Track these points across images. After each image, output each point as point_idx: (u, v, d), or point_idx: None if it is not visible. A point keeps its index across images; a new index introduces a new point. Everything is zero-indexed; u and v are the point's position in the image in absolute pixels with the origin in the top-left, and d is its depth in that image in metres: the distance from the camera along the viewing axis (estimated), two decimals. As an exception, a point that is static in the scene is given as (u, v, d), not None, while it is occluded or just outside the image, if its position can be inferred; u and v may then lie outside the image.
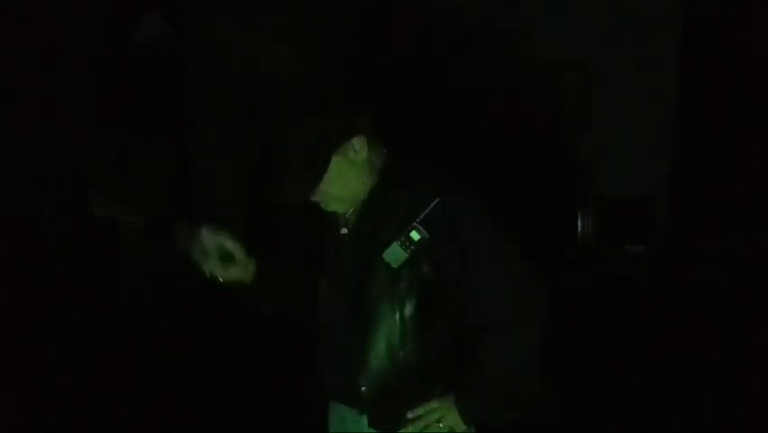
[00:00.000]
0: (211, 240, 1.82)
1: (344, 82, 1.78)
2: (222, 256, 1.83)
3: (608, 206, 5.35)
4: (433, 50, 5.45)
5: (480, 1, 5.43)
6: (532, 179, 5.11)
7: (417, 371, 1.77)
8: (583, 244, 5.32)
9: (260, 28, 5.41)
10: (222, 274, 1.84)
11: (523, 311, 1.76)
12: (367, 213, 1.79)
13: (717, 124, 5.26)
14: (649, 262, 5.15)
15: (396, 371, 1.76)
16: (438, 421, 1.79)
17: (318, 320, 1.91)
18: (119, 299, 4.81)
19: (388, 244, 1.73)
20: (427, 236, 1.71)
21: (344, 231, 1.84)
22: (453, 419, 1.79)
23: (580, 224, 5.36)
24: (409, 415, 1.79)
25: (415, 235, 1.71)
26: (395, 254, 1.73)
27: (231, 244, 1.84)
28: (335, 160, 1.72)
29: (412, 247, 1.72)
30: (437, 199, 1.71)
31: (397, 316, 1.75)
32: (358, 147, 1.73)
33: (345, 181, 1.75)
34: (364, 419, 1.82)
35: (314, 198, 1.78)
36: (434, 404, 1.79)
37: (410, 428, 1.80)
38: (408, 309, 1.74)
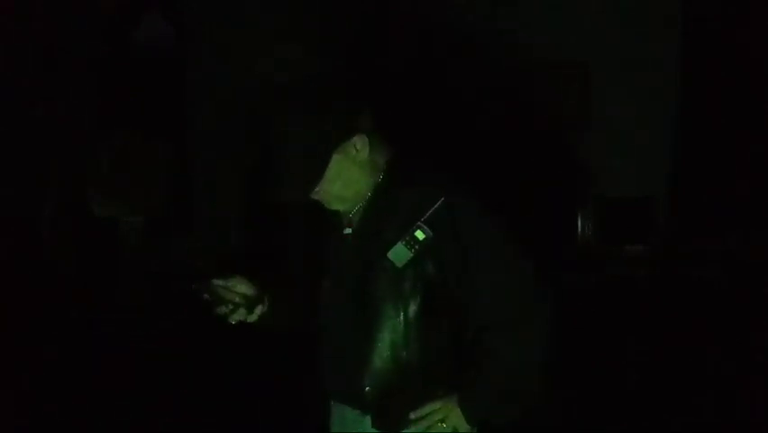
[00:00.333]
0: (229, 291, 1.79)
1: (344, 82, 1.78)
2: (246, 300, 1.80)
3: (608, 206, 5.35)
4: (433, 51, 5.45)
5: (480, 1, 5.43)
6: (532, 179, 5.11)
7: (420, 370, 1.76)
8: (583, 244, 5.33)
9: (260, 28, 5.41)
10: (247, 318, 1.82)
11: (524, 311, 1.76)
12: (371, 213, 1.79)
13: (717, 124, 5.26)
14: (649, 262, 5.15)
15: (399, 370, 1.76)
16: (441, 421, 1.79)
17: (319, 320, 1.90)
18: (119, 299, 4.81)
19: (392, 244, 1.73)
20: (432, 236, 1.71)
21: (348, 231, 1.83)
22: (456, 419, 1.79)
23: (580, 224, 5.36)
24: (412, 416, 1.79)
25: (419, 235, 1.71)
26: (399, 254, 1.73)
27: (245, 288, 1.82)
28: (336, 158, 1.72)
29: (416, 247, 1.72)
30: (442, 199, 1.71)
31: (401, 315, 1.74)
32: (359, 146, 1.73)
33: (347, 180, 1.75)
34: (366, 420, 1.82)
35: (315, 197, 1.77)
36: (436, 404, 1.79)
37: (413, 429, 1.80)
38: (412, 309, 1.74)
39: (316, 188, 1.74)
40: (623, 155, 5.29)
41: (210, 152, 5.58)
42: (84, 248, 4.97)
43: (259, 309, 1.84)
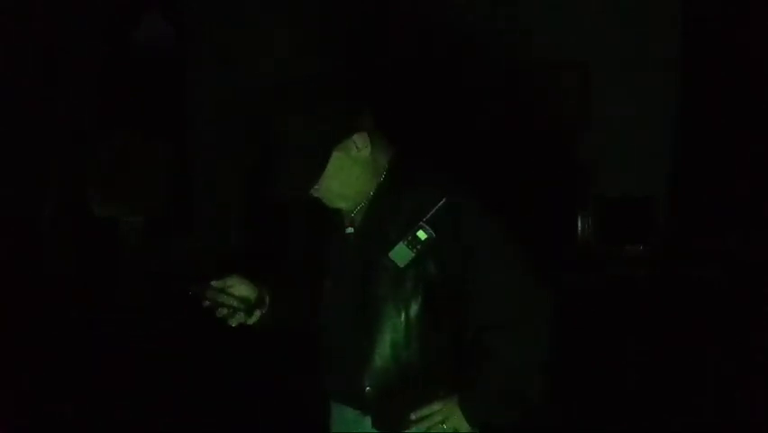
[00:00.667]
0: (227, 296, 1.78)
1: (344, 82, 1.78)
2: (245, 304, 1.80)
3: (608, 206, 5.35)
4: (433, 51, 5.45)
5: (480, 1, 5.43)
6: (532, 180, 5.10)
7: (421, 370, 1.76)
8: (583, 244, 5.32)
9: (260, 28, 5.41)
10: (249, 321, 1.82)
11: (524, 311, 1.76)
12: (373, 213, 1.79)
13: (717, 124, 5.26)
14: (649, 262, 5.15)
15: (400, 370, 1.76)
16: (442, 423, 1.79)
17: (319, 320, 1.90)
18: (119, 299, 4.81)
19: (394, 244, 1.73)
20: (434, 236, 1.71)
21: (350, 230, 1.84)
22: (457, 420, 1.79)
23: (580, 224, 5.36)
24: (413, 417, 1.79)
25: (421, 235, 1.72)
26: (401, 254, 1.73)
27: (244, 290, 1.82)
28: (336, 155, 1.72)
29: (418, 246, 1.72)
30: (444, 199, 1.71)
31: (402, 315, 1.75)
32: (360, 144, 1.73)
33: (347, 177, 1.75)
34: (367, 420, 1.82)
35: (316, 195, 1.78)
36: (437, 405, 1.79)
37: (414, 430, 1.79)
38: (413, 309, 1.74)
39: (316, 186, 1.74)
40: (623, 155, 5.29)
41: (210, 152, 5.58)
42: (84, 248, 4.97)
43: (258, 312, 1.83)
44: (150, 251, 4.99)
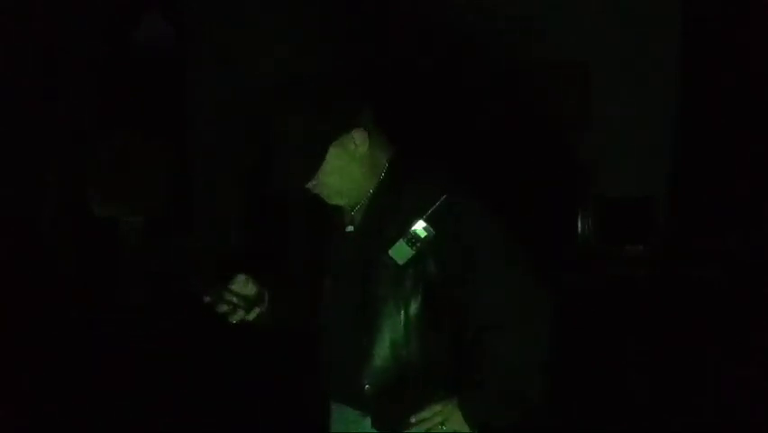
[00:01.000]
0: (228, 292, 1.79)
1: (344, 81, 1.78)
2: (245, 302, 1.81)
3: (608, 206, 5.35)
4: (433, 50, 5.45)
5: (480, 1, 5.43)
6: (532, 179, 5.11)
7: (420, 370, 1.76)
8: (583, 244, 5.33)
9: (260, 28, 5.41)
10: (248, 318, 1.82)
11: (524, 311, 1.76)
12: (373, 211, 1.79)
13: (717, 124, 5.26)
14: (649, 262, 5.15)
15: (399, 370, 1.76)
16: (442, 424, 1.79)
17: (319, 320, 1.90)
18: (119, 299, 4.81)
19: (393, 242, 1.73)
20: (434, 233, 1.71)
21: (350, 228, 1.84)
22: (457, 421, 1.79)
23: (580, 224, 5.36)
24: (412, 419, 1.79)
25: (421, 232, 1.72)
26: (401, 251, 1.73)
27: (245, 288, 1.81)
28: (334, 151, 1.72)
29: (418, 244, 1.72)
30: (444, 197, 1.71)
31: (402, 314, 1.75)
32: (359, 140, 1.73)
33: (345, 173, 1.75)
34: (366, 420, 1.82)
35: (314, 190, 1.78)
36: (437, 406, 1.79)
37: (414, 431, 1.79)
38: (413, 308, 1.74)
39: (314, 180, 1.74)
40: (623, 155, 5.29)
41: (210, 152, 5.59)
42: (84, 248, 4.98)
43: (257, 309, 1.84)
44: (150, 251, 4.99)
